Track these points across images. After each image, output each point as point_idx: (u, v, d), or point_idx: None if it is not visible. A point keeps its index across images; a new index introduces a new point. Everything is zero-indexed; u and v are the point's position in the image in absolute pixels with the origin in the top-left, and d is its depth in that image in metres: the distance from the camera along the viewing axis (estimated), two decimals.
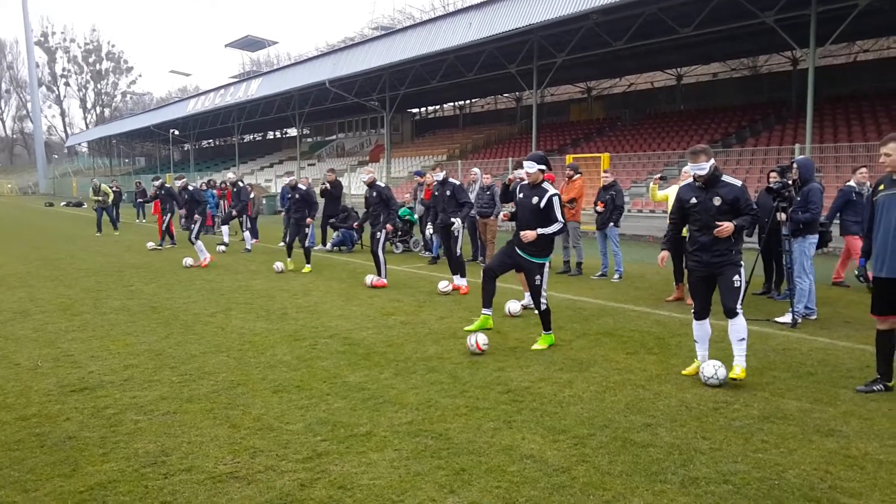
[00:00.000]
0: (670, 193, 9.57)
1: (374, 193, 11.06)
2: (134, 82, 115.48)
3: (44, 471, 4.13)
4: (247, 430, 4.76)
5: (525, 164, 6.95)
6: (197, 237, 14.33)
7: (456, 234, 10.92)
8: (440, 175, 11.41)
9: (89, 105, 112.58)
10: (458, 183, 11.35)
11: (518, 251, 6.99)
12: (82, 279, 11.98)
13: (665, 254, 6.32)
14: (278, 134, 66.65)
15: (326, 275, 12.54)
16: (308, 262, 13.17)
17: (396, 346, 7.16)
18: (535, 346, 6.94)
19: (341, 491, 3.82)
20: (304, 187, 13.39)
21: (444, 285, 10.42)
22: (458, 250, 10.92)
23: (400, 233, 16.18)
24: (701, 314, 5.94)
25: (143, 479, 4.00)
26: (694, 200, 5.83)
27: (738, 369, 5.69)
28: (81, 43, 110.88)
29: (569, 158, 20.21)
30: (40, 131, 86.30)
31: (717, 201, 5.70)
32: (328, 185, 16.53)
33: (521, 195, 7.09)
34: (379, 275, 11.12)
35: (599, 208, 11.54)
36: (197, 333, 7.77)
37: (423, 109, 54.06)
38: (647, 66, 36.11)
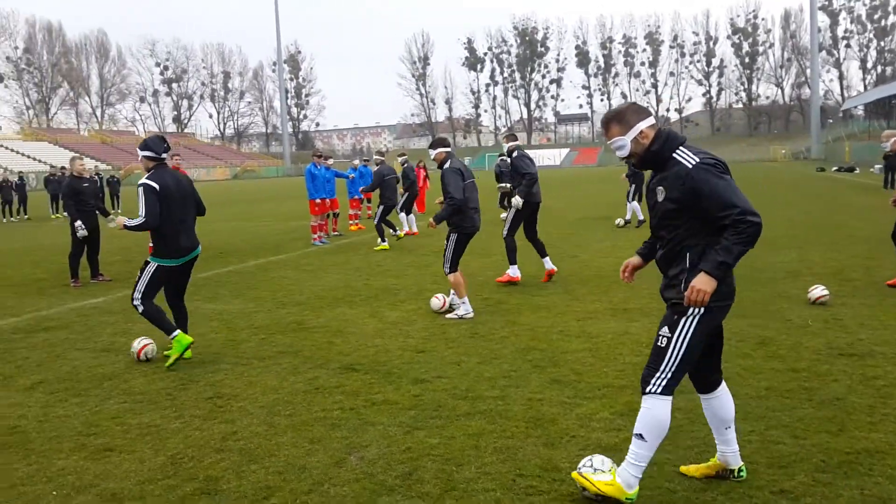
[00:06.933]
0: None
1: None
2: None
3: (811, 423, 4.38)
4: None
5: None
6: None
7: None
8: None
9: (869, 65, 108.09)
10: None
11: None
12: (851, 245, 11.84)
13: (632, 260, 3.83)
14: None
15: None
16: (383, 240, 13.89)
17: None
18: (168, 357, 5.96)
19: None
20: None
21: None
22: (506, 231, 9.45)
23: None
24: (697, 384, 3.66)
25: None
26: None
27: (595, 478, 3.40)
28: (867, 0, 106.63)
29: None
30: (817, 96, 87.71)
31: (659, 194, 3.41)
32: None
33: None
34: None
35: None
36: None
37: None
38: None
